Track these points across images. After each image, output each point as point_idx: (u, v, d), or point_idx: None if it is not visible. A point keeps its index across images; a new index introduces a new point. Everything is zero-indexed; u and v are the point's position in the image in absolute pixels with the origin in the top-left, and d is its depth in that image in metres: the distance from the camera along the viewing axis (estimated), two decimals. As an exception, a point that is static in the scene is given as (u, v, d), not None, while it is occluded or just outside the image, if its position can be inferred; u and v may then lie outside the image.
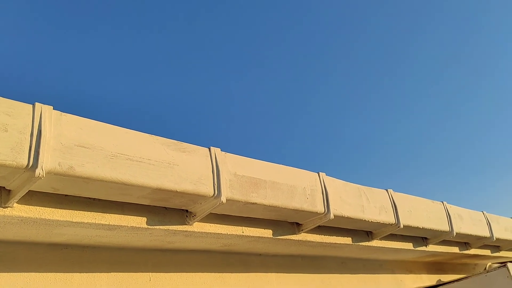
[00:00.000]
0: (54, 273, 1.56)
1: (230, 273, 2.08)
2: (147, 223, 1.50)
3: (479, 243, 3.15)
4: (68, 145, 1.20)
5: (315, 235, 2.08)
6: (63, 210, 1.32)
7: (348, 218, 2.02)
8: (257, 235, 1.84)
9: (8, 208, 1.22)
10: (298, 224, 2.01)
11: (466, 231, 2.84)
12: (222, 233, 1.72)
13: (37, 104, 1.18)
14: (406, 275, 3.15)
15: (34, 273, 1.51)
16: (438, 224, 2.59)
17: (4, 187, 1.21)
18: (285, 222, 1.97)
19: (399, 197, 2.38)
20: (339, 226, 2.17)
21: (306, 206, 1.83)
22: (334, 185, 2.02)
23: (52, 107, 1.21)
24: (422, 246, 2.77)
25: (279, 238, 1.93)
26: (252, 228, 1.83)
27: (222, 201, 1.51)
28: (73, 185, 1.26)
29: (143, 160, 1.35)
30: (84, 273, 1.63)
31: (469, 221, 2.92)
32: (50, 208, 1.30)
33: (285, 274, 2.32)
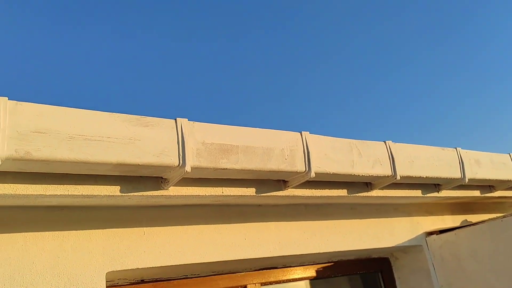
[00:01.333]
0: (51, 232, 1.76)
1: (227, 224, 2.21)
2: (121, 191, 1.64)
3: (504, 185, 3.04)
4: (24, 132, 1.33)
5: (304, 189, 2.13)
6: (36, 185, 1.48)
7: (334, 174, 2.04)
8: (239, 194, 1.93)
9: (-17, 187, 1.39)
10: (284, 181, 2.07)
11: (484, 176, 2.74)
12: (200, 194, 1.83)
13: (-9, 97, 1.30)
14: (425, 217, 3.14)
15: (32, 232, 1.72)
16: (446, 172, 2.53)
17: (-24, 170, 1.37)
18: (269, 180, 2.03)
19: (399, 147, 2.33)
20: (331, 180, 2.20)
21: (283, 166, 1.87)
22: (319, 142, 2.02)
23: (7, 98, 1.32)
24: (433, 192, 2.73)
25: (263, 196, 2.01)
26: (233, 188, 1.91)
27: (186, 170, 1.60)
28: (37, 166, 1.40)
29: (102, 138, 1.46)
30: (81, 231, 1.83)
31: (489, 166, 2.81)
32: (24, 184, 1.46)
33: (286, 222, 2.42)
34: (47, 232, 1.76)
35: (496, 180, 2.85)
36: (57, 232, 1.78)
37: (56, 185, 1.51)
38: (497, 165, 2.86)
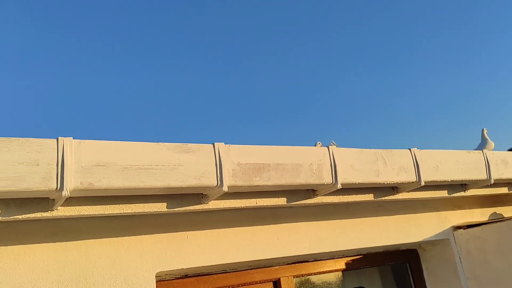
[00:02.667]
0: (108, 238, 2.03)
1: (260, 226, 2.42)
2: (167, 207, 1.87)
3: (533, 182, 3.10)
4: (87, 167, 1.56)
5: (332, 196, 2.31)
6: (97, 206, 1.73)
7: (359, 183, 2.20)
8: (271, 204, 2.13)
9: (54, 210, 1.65)
10: (313, 190, 2.25)
11: (510, 176, 2.82)
12: (237, 206, 2.04)
13: (59, 138, 1.54)
14: (453, 211, 3.24)
15: (92, 239, 1.99)
16: (472, 174, 2.63)
17: (49, 197, 1.63)
18: (299, 190, 2.21)
19: (424, 154, 2.45)
20: (358, 187, 2.36)
21: (312, 180, 2.05)
22: (346, 155, 2.18)
23: (71, 138, 1.56)
24: (460, 192, 2.83)
25: (293, 204, 2.20)
26: (266, 199, 2.11)
27: (224, 190, 1.81)
28: (98, 193, 1.64)
29: (151, 167, 1.68)
30: (132, 236, 2.09)
31: (516, 165, 2.88)
32: (87, 206, 1.71)
33: (315, 222, 2.61)
34: (104, 239, 2.02)
35: (523, 178, 2.92)
36: (113, 239, 2.04)
37: (113, 205, 1.75)
38: (526, 163, 2.92)
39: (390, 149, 2.36)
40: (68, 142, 1.54)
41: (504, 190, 3.07)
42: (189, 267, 2.20)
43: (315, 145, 5.20)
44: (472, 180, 2.66)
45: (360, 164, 2.22)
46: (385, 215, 2.90)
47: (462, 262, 3.10)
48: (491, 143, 6.82)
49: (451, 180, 2.54)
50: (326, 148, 2.14)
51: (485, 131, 6.92)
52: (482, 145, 6.85)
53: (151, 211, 1.84)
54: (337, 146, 3.10)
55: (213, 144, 1.85)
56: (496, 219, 3.09)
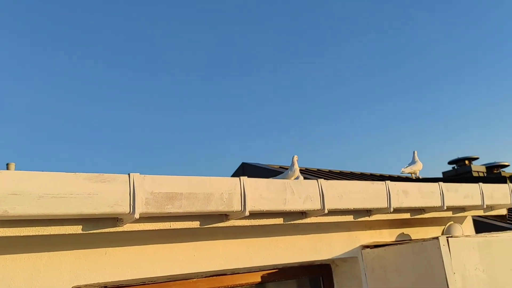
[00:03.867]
0: (27, 254, 2.16)
1: (178, 243, 2.62)
2: (83, 230, 2.03)
3: (432, 210, 3.47)
4: (3, 195, 1.70)
5: (244, 220, 2.54)
6: (13, 228, 1.86)
7: (267, 210, 2.44)
8: (185, 227, 2.33)
9: (-29, 232, 1.78)
10: (226, 214, 2.47)
11: (410, 205, 3.17)
12: (151, 229, 2.23)
13: (-23, 168, 1.67)
14: (364, 231, 3.57)
15: (11, 254, 2.11)
16: (374, 203, 2.94)
17: (-34, 220, 1.75)
18: (212, 215, 2.43)
19: (330, 184, 2.73)
20: (267, 213, 2.60)
21: (222, 208, 2.27)
22: (256, 185, 2.41)
23: (-11, 168, 1.69)
24: (365, 217, 3.15)
25: (206, 227, 2.41)
26: (180, 222, 2.31)
27: (135, 217, 1.99)
28: (13, 218, 1.78)
29: (66, 195, 1.83)
30: (51, 252, 2.22)
31: (416, 195, 3.23)
32: (4, 228, 1.85)
33: (231, 240, 2.84)
34: (23, 254, 2.15)
35: (423, 206, 3.27)
36: (32, 254, 2.17)
37: (29, 228, 1.90)
38: (425, 194, 3.27)
39: (299, 180, 2.62)
40: (-15, 173, 1.67)
41: (406, 215, 3.41)
42: (106, 281, 2.36)
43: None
44: (374, 208, 2.97)
45: (270, 193, 2.46)
46: (299, 235, 3.17)
47: (367, 278, 3.42)
48: (420, 164, 7.40)
49: (354, 208, 2.83)
50: (238, 178, 2.36)
51: (415, 153, 7.47)
52: (411, 164, 7.40)
53: (67, 233, 1.99)
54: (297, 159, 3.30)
55: (129, 174, 2.02)
56: (400, 241, 3.43)
